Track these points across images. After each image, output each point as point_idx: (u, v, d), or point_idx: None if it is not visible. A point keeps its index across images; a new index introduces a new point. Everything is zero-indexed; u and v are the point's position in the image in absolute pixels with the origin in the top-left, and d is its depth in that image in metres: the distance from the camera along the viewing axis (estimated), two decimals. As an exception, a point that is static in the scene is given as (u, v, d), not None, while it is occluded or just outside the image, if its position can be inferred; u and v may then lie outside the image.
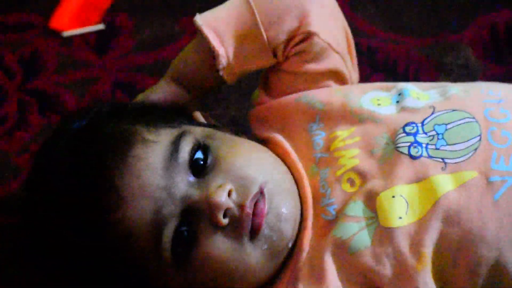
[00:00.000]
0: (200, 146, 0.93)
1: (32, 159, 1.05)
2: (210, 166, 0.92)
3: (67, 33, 1.40)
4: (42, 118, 1.30)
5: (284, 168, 0.98)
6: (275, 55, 1.03)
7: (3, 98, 1.33)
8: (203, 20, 1.03)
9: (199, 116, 1.07)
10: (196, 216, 0.90)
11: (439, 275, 0.90)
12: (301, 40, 1.02)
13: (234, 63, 1.03)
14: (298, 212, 0.95)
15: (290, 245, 0.93)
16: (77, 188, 0.91)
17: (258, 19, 1.01)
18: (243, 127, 1.11)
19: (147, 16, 1.41)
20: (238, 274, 0.90)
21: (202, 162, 0.92)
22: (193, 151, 0.92)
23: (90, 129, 0.97)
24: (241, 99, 1.27)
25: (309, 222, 0.94)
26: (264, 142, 1.03)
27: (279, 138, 1.01)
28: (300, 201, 0.96)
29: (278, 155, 1.00)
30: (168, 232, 0.89)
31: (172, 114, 1.02)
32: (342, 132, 0.98)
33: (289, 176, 0.97)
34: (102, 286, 0.94)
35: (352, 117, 0.99)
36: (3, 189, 1.21)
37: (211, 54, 1.02)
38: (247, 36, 1.02)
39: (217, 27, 1.02)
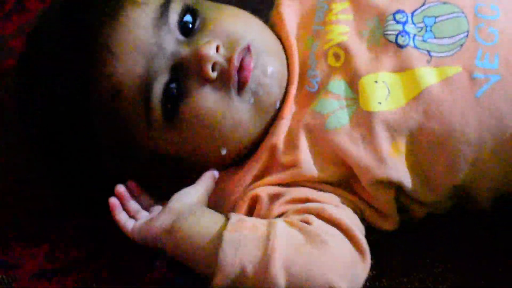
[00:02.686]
0: (189, 9, 0.96)
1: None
2: (198, 28, 0.95)
3: None
4: (39, 3, 1.29)
5: (270, 32, 1.00)
6: None
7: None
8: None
9: None
10: (185, 72, 0.92)
11: (417, 169, 0.91)
12: None
13: None
14: (285, 73, 0.97)
15: (277, 105, 0.96)
16: (69, 45, 0.94)
17: None
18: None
19: None
20: (226, 127, 0.93)
21: (190, 26, 0.95)
22: (182, 14, 0.95)
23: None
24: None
25: (293, 89, 0.97)
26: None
27: (282, 7, 1.04)
28: (288, 68, 0.98)
29: (275, 21, 1.03)
30: (158, 87, 0.91)
31: None
32: (337, 5, 1.00)
33: (276, 40, 1.00)
34: (91, 153, 0.97)
35: None
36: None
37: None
38: None
39: None
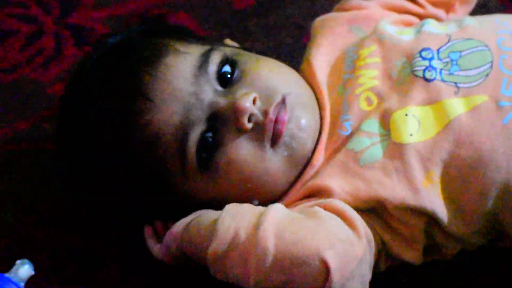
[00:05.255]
0: (228, 60, 0.98)
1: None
2: (236, 78, 0.97)
3: None
4: (77, 50, 1.34)
5: (305, 84, 1.02)
6: None
7: (41, 31, 1.38)
8: None
9: (228, 41, 1.12)
10: (222, 123, 0.94)
11: (450, 198, 0.92)
12: None
13: None
14: (317, 125, 0.99)
15: (309, 156, 0.98)
16: (109, 93, 0.96)
17: None
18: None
19: None
20: (259, 178, 0.95)
21: (229, 76, 0.97)
22: (221, 64, 0.97)
23: (124, 42, 1.02)
24: (269, 34, 1.31)
25: (324, 136, 0.98)
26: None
27: (312, 58, 1.06)
28: (321, 117, 1.00)
29: (306, 72, 1.05)
30: (194, 136, 0.93)
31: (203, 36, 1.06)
32: (364, 51, 1.02)
33: (310, 92, 1.02)
34: (127, 194, 0.98)
35: (375, 35, 1.04)
36: (36, 117, 1.25)
37: None
38: None
39: None
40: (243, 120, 0.93)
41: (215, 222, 0.90)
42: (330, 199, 0.93)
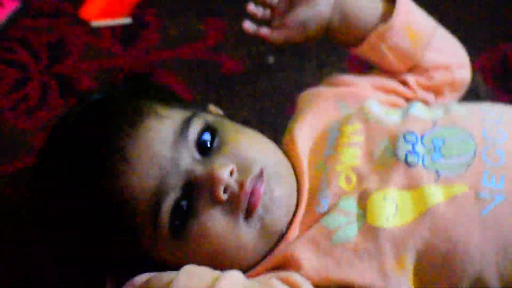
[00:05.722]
0: (209, 128, 0.97)
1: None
2: (215, 147, 0.96)
3: (95, 23, 1.44)
4: (62, 101, 1.34)
5: (284, 157, 1.01)
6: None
7: (27, 78, 1.38)
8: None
9: (212, 107, 1.11)
10: (197, 191, 0.93)
11: (421, 286, 0.91)
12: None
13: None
14: (294, 200, 0.98)
15: (284, 230, 0.96)
16: (87, 151, 0.95)
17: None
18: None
19: (174, 14, 1.45)
20: (230, 251, 0.93)
21: (208, 144, 0.96)
22: (202, 132, 0.96)
23: (107, 100, 1.01)
24: (255, 101, 1.32)
25: (301, 213, 0.97)
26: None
27: (295, 132, 1.05)
28: (298, 191, 0.99)
29: (287, 145, 1.04)
30: (168, 202, 0.92)
31: (187, 100, 1.05)
32: (348, 128, 1.02)
33: (289, 166, 1.01)
34: (98, 248, 0.98)
35: (360, 114, 1.04)
36: (17, 164, 1.25)
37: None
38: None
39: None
40: (219, 191, 0.91)
41: (172, 280, 0.89)
42: (291, 273, 0.92)
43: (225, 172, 0.92)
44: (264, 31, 1.11)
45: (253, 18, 1.11)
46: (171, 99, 1.03)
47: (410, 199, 0.93)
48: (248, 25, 1.10)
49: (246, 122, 1.20)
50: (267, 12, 1.12)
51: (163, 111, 0.96)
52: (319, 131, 1.05)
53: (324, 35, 1.13)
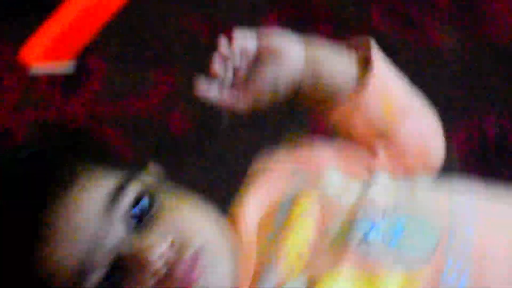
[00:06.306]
0: (146, 194, 0.90)
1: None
2: (151, 217, 0.89)
3: (35, 69, 1.40)
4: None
5: (228, 233, 0.95)
6: None
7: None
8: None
9: (152, 167, 1.04)
10: (123, 271, 0.87)
11: None
12: None
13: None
14: (235, 280, 0.92)
15: None
16: (8, 221, 0.89)
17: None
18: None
19: (120, 64, 1.41)
20: None
21: (143, 214, 0.89)
22: (137, 199, 0.90)
23: (37, 157, 0.95)
24: (204, 163, 1.26)
25: None
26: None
27: (245, 202, 0.99)
28: (243, 269, 0.94)
29: (235, 217, 0.99)
30: (91, 282, 0.86)
31: (125, 159, 1.02)
32: (302, 201, 0.98)
33: (232, 243, 0.95)
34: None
35: (318, 186, 0.99)
36: None
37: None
38: None
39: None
40: (145, 276, 0.86)
41: None
42: None
43: (155, 253, 0.85)
44: (228, 98, 1.02)
45: (206, 74, 1.03)
46: (107, 159, 0.97)
47: (363, 283, 0.90)
48: (203, 90, 1.01)
49: (191, 185, 1.16)
50: (229, 74, 1.04)
51: (95, 174, 0.90)
52: (271, 202, 1.00)
53: (291, 97, 1.06)
